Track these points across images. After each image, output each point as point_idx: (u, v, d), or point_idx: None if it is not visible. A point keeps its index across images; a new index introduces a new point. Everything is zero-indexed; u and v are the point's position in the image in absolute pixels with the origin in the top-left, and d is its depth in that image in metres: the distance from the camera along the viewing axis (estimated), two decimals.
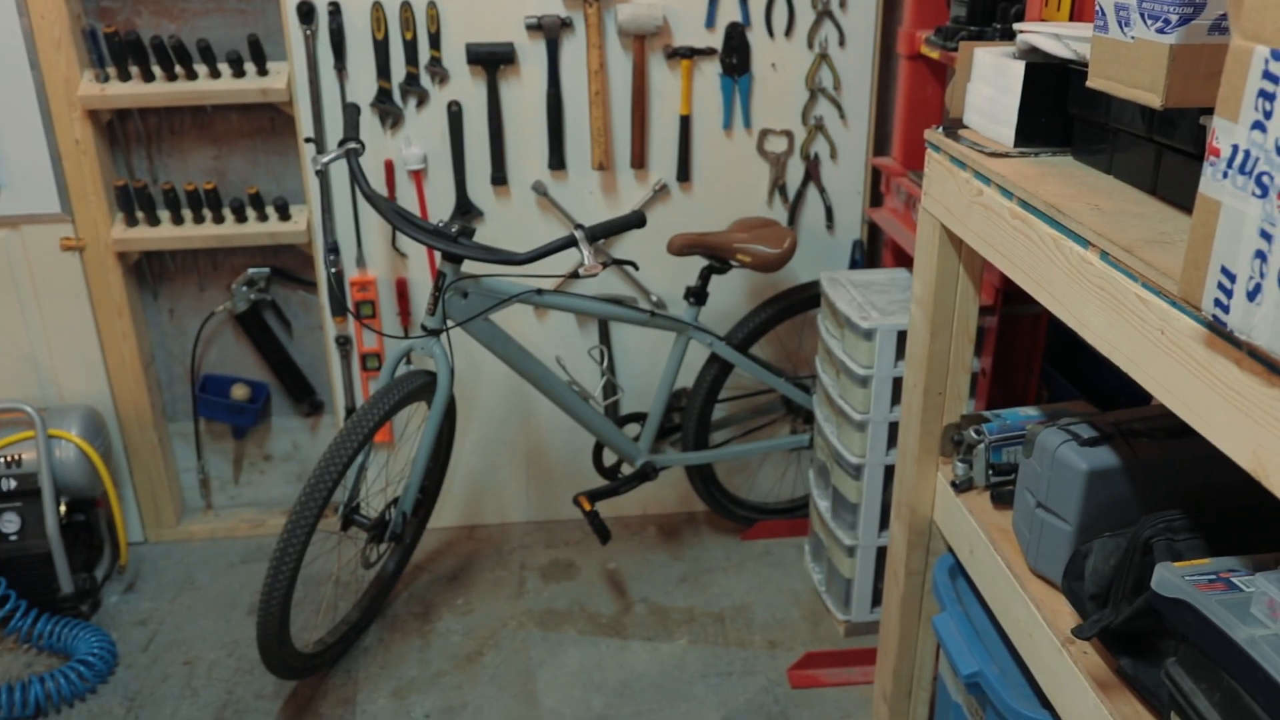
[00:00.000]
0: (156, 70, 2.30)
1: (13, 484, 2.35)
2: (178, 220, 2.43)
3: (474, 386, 2.61)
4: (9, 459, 2.36)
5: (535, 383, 2.28)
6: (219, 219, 2.42)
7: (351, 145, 2.04)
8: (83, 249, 2.43)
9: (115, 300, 2.49)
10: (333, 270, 2.43)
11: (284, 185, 2.51)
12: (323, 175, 2.37)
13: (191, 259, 2.56)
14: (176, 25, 2.36)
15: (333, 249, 2.42)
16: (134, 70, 2.30)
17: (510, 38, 2.32)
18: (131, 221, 2.42)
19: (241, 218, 2.41)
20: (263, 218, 2.43)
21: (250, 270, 2.54)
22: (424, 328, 2.08)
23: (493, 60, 2.32)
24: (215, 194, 2.40)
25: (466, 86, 2.36)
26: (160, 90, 2.30)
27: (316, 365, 2.70)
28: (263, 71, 2.31)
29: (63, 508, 2.39)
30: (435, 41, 2.29)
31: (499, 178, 2.43)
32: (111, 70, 2.30)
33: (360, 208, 2.42)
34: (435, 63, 2.31)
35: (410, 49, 2.30)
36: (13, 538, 2.33)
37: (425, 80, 2.33)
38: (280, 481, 2.81)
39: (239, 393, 2.66)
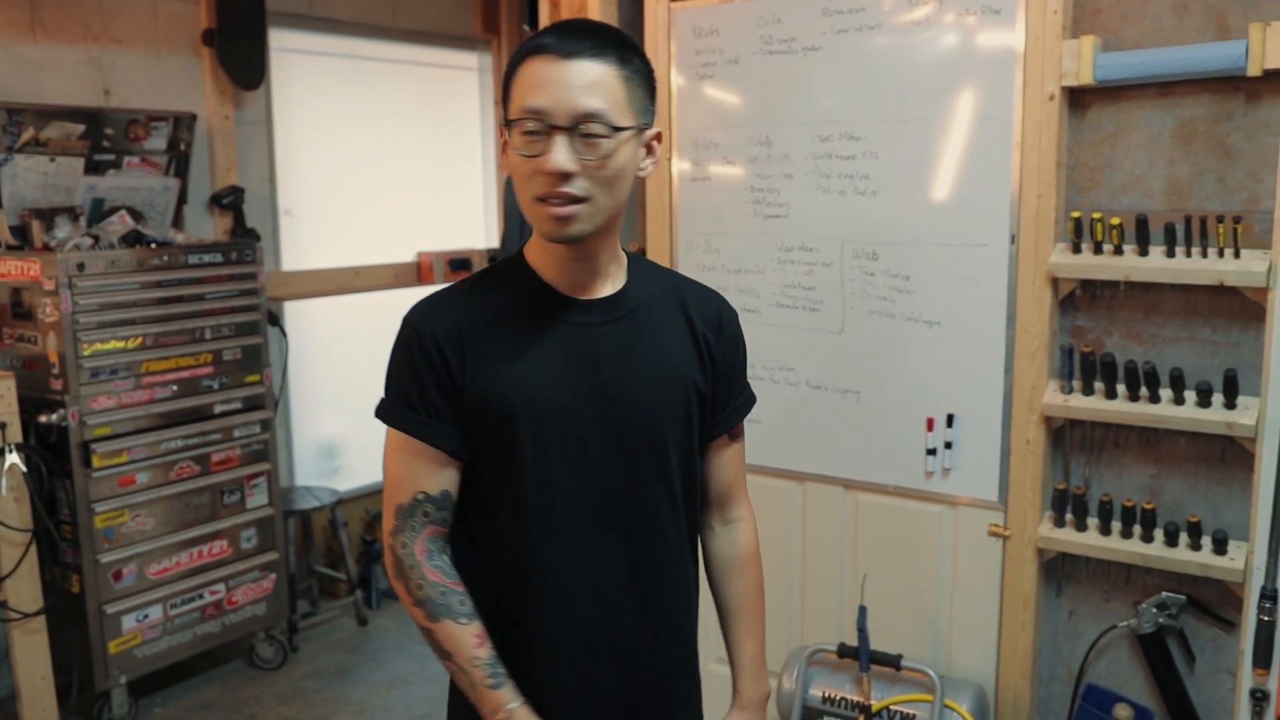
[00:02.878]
0: (1119, 389, 2.42)
1: None
2: (1105, 531, 2.47)
3: None
4: (903, 714, 2.56)
5: None
6: (1148, 538, 2.41)
7: None
8: (1007, 538, 2.60)
9: (1024, 591, 2.60)
10: (1265, 619, 2.25)
11: (1221, 517, 2.41)
12: None
13: (1104, 569, 2.58)
14: (1144, 349, 2.47)
15: (1270, 596, 2.24)
16: (1097, 386, 2.44)
17: None
18: (1059, 523, 2.53)
19: (1173, 542, 2.37)
20: (1195, 547, 2.35)
21: (1164, 594, 2.47)
22: None
23: None
24: (1152, 514, 2.40)
25: None
26: (1119, 409, 2.40)
27: (1212, 709, 2.49)
28: (1230, 405, 2.29)
29: None
30: None
31: None
32: (1076, 384, 2.47)
33: None
34: None
35: None
36: None
37: None
38: None
39: (1122, 713, 2.56)
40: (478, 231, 5.15)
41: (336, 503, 4.16)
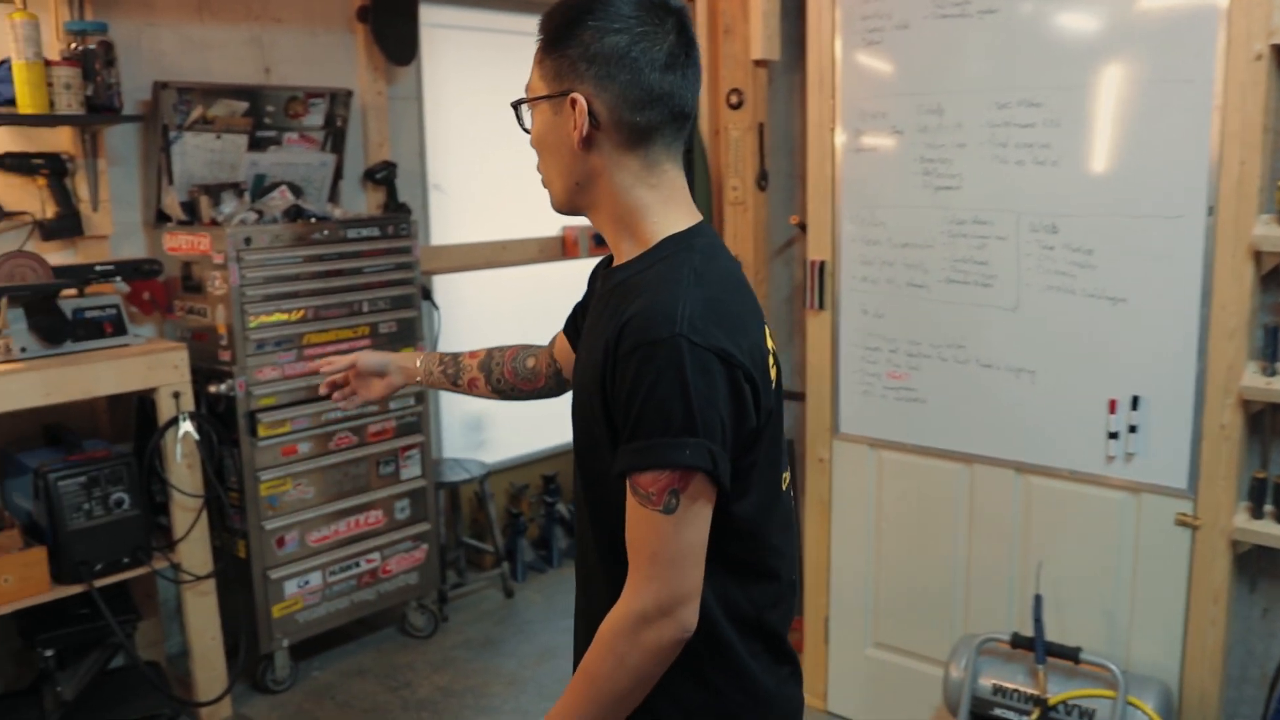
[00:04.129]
0: None
1: None
2: None
3: None
4: (1082, 710, 2.45)
5: None
6: None
7: None
8: (1197, 528, 2.45)
9: (1214, 585, 2.45)
10: None
11: None
12: None
13: None
14: None
15: None
16: None
17: None
18: (1257, 514, 2.37)
19: None
20: None
21: None
22: None
23: None
24: None
25: None
26: None
27: None
28: None
29: None
30: None
31: None
32: (1279, 365, 2.31)
33: None
34: None
35: None
36: None
37: None
38: None
39: None
40: None
41: (485, 475, 4.20)
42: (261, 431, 3.32)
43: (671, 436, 1.20)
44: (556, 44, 1.32)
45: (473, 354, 1.79)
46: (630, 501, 1.24)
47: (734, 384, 1.23)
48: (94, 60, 3.16)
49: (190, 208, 3.51)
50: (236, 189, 3.57)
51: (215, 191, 3.51)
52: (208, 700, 3.25)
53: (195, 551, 3.21)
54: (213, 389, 3.28)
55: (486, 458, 4.54)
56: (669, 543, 1.22)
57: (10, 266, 2.93)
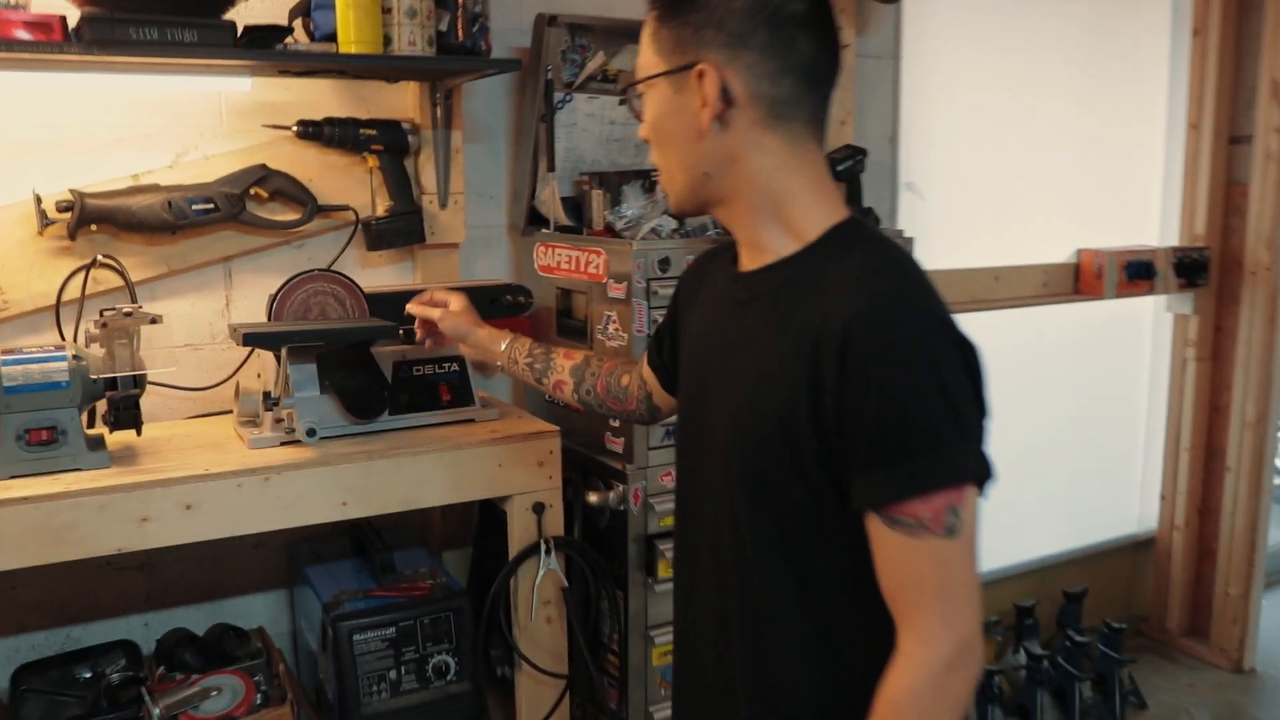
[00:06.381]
0: None
1: None
2: None
3: None
4: None
5: None
6: None
7: None
8: None
9: None
10: None
11: None
12: None
13: None
14: None
15: None
16: None
17: None
18: None
19: None
20: None
21: None
22: None
23: None
24: None
25: None
26: None
27: None
28: None
29: None
30: None
31: None
32: None
33: None
34: None
35: None
36: None
37: None
38: None
39: None
40: (1153, 222, 3.52)
41: None
42: (663, 571, 2.07)
43: (945, 449, 1.02)
44: (675, 9, 1.13)
45: (568, 353, 1.64)
46: (887, 537, 1.04)
47: (973, 373, 1.06)
48: None
49: (576, 206, 2.34)
50: (645, 180, 2.34)
51: (614, 183, 2.31)
52: None
53: None
54: (593, 498, 2.06)
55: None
56: (959, 570, 1.04)
57: (304, 295, 1.83)
